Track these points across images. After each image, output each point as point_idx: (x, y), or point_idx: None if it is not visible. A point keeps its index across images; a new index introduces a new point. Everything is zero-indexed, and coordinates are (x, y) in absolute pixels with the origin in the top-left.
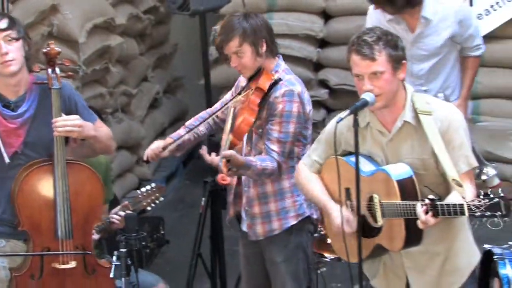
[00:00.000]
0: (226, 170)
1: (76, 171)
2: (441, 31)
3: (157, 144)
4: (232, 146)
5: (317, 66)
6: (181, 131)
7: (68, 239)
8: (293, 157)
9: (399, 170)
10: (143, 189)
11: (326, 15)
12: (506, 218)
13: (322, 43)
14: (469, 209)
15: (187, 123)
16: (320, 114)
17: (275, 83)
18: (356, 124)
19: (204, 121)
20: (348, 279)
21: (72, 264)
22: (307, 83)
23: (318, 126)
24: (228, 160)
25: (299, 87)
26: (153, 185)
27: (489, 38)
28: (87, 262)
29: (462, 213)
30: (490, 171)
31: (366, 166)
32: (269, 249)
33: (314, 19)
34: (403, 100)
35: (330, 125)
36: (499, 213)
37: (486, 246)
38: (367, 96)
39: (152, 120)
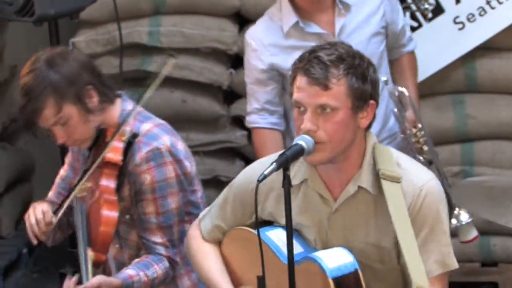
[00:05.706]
0: None
1: None
2: (366, 19)
3: (42, 208)
4: (97, 265)
5: (230, 95)
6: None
7: None
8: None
9: (337, 261)
10: None
11: (242, 19)
12: None
13: (236, 61)
14: None
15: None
16: (235, 168)
17: (129, 143)
18: (287, 183)
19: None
20: None
21: None
22: (215, 122)
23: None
24: None
25: (166, 139)
26: None
27: (483, 50)
28: None
29: None
30: (463, 215)
31: None
32: None
33: (224, 25)
34: (360, 156)
35: (244, 178)
36: None
37: None
38: (302, 141)
39: None
